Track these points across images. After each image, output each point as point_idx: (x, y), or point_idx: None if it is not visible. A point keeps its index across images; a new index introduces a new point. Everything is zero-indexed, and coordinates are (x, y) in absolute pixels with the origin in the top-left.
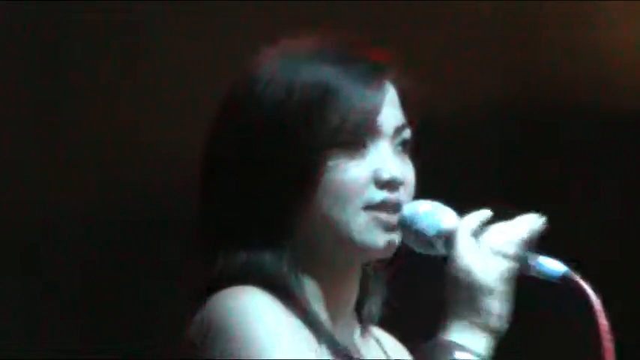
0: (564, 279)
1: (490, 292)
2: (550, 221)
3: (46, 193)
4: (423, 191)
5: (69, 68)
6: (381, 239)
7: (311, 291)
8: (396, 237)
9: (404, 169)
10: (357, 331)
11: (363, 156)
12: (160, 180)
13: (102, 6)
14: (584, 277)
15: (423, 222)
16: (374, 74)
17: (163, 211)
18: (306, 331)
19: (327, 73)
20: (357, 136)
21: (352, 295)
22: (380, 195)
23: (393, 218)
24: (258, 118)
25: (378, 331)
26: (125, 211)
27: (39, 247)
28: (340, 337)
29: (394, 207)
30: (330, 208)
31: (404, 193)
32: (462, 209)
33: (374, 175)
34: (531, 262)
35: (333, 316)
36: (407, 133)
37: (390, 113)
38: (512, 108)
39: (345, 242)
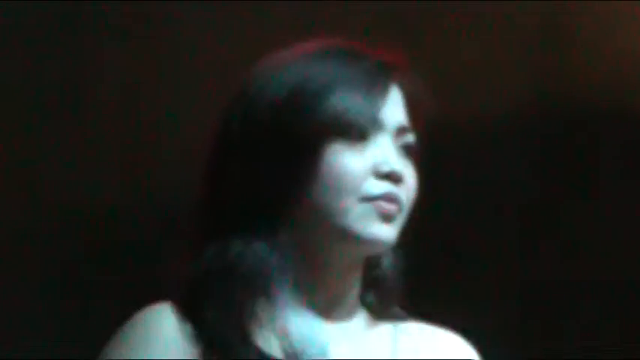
0: None
1: None
2: (578, 226)
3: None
4: (442, 197)
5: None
6: (378, 230)
7: (301, 283)
8: (393, 229)
9: (405, 170)
10: (363, 325)
11: (363, 147)
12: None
13: (126, 7)
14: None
15: None
16: (379, 71)
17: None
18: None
19: (332, 66)
20: (358, 127)
21: (349, 290)
22: (379, 187)
23: (392, 209)
24: (261, 108)
25: (409, 327)
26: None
27: (54, 245)
28: (331, 332)
29: (393, 200)
30: (327, 199)
31: (404, 192)
32: (490, 213)
33: (373, 167)
34: None
35: (326, 310)
36: (410, 138)
37: (394, 111)
38: (538, 113)
39: (342, 233)
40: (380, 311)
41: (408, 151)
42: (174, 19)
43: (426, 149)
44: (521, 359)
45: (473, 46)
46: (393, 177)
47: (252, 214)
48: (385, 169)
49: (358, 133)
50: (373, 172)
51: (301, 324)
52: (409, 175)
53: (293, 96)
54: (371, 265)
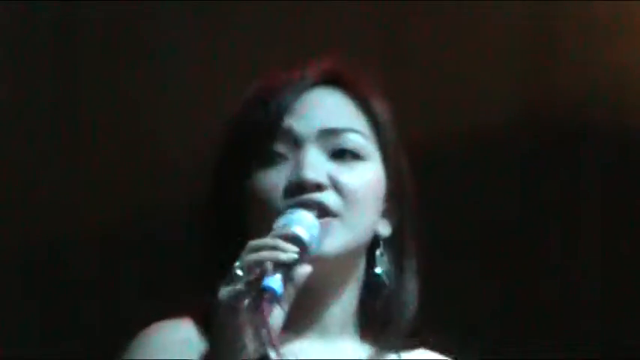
0: None
1: None
2: (562, 239)
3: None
4: (437, 208)
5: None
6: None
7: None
8: (331, 237)
9: (338, 173)
10: (356, 350)
11: (278, 165)
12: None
13: (121, 14)
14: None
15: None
16: (291, 84)
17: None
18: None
19: (252, 96)
20: (268, 147)
21: (327, 311)
22: (290, 200)
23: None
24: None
25: (419, 354)
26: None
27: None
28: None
29: (311, 206)
30: (254, 224)
31: (335, 197)
32: (477, 224)
33: (285, 182)
34: None
35: (301, 333)
36: (344, 139)
37: (315, 116)
38: (528, 125)
39: None
40: (379, 338)
41: (350, 153)
42: (168, 35)
43: (412, 163)
44: None
45: (459, 60)
46: (305, 185)
47: (211, 243)
48: (293, 179)
49: (270, 152)
50: (285, 186)
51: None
52: (345, 175)
53: (224, 134)
54: (371, 288)
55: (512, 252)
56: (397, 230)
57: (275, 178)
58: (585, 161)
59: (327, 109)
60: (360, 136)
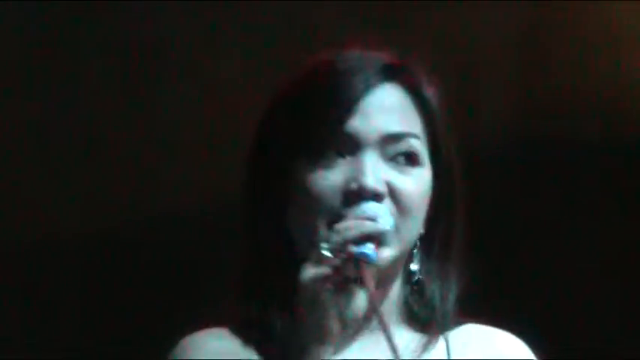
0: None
1: None
2: (550, 243)
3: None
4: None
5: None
6: (358, 252)
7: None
8: (385, 247)
9: (396, 181)
10: (409, 338)
11: (335, 166)
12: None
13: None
14: None
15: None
16: (355, 81)
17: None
18: None
19: (309, 86)
20: (327, 146)
21: (364, 307)
22: (347, 207)
23: (368, 227)
24: (259, 137)
25: (461, 332)
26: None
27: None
28: (358, 350)
29: (368, 218)
30: (299, 226)
31: (390, 206)
32: (467, 232)
33: (344, 186)
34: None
35: (357, 330)
36: (405, 144)
37: (378, 120)
38: (520, 130)
39: (316, 260)
40: (427, 323)
41: (407, 158)
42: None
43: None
44: None
45: (450, 70)
46: (364, 193)
47: (255, 237)
48: (353, 186)
49: (327, 151)
50: (343, 190)
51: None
52: (404, 184)
53: (267, 120)
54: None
55: (503, 259)
56: (436, 229)
57: (333, 180)
58: (577, 170)
59: (390, 111)
60: (419, 141)
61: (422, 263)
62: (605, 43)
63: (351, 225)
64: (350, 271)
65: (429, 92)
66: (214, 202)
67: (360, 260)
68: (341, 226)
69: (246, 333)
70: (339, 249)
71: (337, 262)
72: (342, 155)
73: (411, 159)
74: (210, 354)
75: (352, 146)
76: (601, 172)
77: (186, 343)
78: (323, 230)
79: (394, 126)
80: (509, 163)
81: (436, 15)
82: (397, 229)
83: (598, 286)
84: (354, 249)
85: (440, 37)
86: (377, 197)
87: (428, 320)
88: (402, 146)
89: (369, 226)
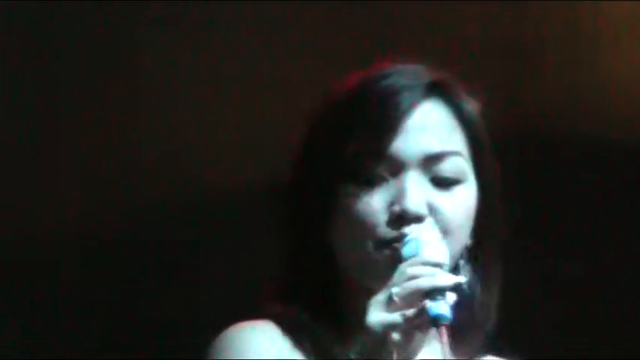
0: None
1: None
2: (545, 250)
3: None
4: None
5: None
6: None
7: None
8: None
9: (438, 201)
10: None
11: (380, 188)
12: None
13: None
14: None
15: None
16: (396, 101)
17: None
18: None
19: (350, 107)
20: (370, 168)
21: None
22: (392, 232)
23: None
24: (301, 155)
25: None
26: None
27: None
28: None
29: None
30: (343, 246)
31: (430, 228)
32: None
33: (388, 209)
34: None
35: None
36: (448, 163)
37: (420, 140)
38: (508, 139)
39: (359, 283)
40: (456, 346)
41: (450, 176)
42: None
43: None
44: None
45: (441, 70)
46: (407, 216)
47: (295, 255)
48: (396, 209)
49: (370, 174)
50: (387, 213)
51: None
52: (446, 203)
53: (310, 141)
54: None
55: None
56: (481, 240)
57: (376, 203)
58: (569, 171)
59: (432, 130)
60: (461, 159)
61: (469, 275)
62: (596, 43)
63: (422, 273)
64: (421, 322)
65: (469, 106)
66: (213, 200)
67: (436, 320)
68: (410, 270)
69: (293, 332)
70: (410, 297)
71: (409, 314)
72: (384, 177)
73: (454, 177)
74: (257, 347)
75: (395, 167)
76: (592, 173)
77: (232, 334)
78: (371, 255)
79: (436, 145)
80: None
81: (425, 17)
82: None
83: (597, 286)
84: (429, 305)
85: (431, 39)
86: (419, 219)
87: (459, 340)
88: (445, 165)
89: (440, 281)
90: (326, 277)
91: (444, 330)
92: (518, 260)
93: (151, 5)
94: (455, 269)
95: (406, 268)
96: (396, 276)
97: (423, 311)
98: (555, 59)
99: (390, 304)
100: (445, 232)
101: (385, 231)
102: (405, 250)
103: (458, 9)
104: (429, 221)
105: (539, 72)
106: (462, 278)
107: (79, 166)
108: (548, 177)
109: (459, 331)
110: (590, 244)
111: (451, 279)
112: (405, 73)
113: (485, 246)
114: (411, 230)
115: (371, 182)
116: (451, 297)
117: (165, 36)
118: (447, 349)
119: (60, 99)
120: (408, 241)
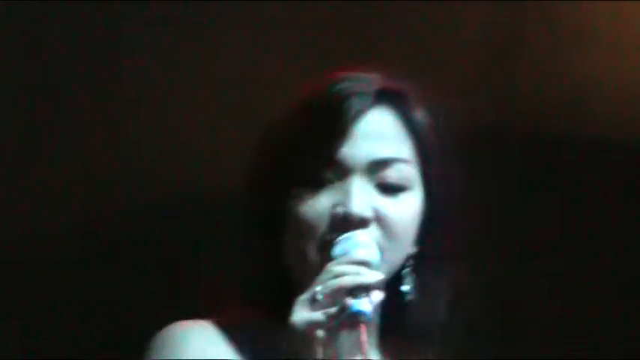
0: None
1: None
2: (534, 244)
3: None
4: None
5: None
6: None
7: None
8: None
9: (383, 207)
10: None
11: (325, 192)
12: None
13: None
14: None
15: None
16: (345, 107)
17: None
18: None
19: (301, 111)
20: (318, 172)
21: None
22: (334, 235)
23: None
24: (254, 159)
25: None
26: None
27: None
28: None
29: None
30: (290, 248)
31: (377, 232)
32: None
33: (331, 212)
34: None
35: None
36: (392, 171)
37: (366, 146)
38: (494, 135)
39: (302, 283)
40: (398, 351)
41: (395, 182)
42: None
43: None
44: None
45: (424, 70)
46: (352, 219)
47: (250, 254)
48: (339, 211)
49: (318, 178)
50: (331, 215)
51: None
52: (391, 209)
53: (263, 145)
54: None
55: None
56: (425, 248)
57: (321, 206)
58: (550, 169)
59: (380, 136)
60: (408, 166)
61: (412, 283)
62: (582, 43)
63: (346, 271)
64: (343, 320)
65: (420, 114)
66: (213, 200)
67: (357, 316)
68: (336, 269)
69: (232, 332)
70: (333, 295)
71: (332, 311)
72: (331, 181)
73: (399, 184)
74: (195, 346)
75: (341, 172)
76: (591, 173)
77: (169, 333)
78: (314, 256)
79: (382, 151)
80: (482, 161)
81: (425, 17)
82: (383, 253)
83: (597, 286)
84: (351, 302)
85: (418, 38)
86: (363, 223)
87: (412, 340)
88: (391, 172)
89: (363, 279)
90: (277, 278)
91: (363, 327)
92: (518, 260)
93: (151, 5)
94: (398, 278)
95: (333, 267)
96: (323, 275)
97: (345, 308)
98: (555, 59)
99: (314, 302)
100: (389, 237)
101: (328, 233)
102: (336, 249)
103: (458, 9)
104: (373, 226)
105: (539, 72)
106: (382, 275)
107: (79, 166)
108: (548, 177)
109: (400, 337)
110: (590, 244)
111: (374, 276)
112: (357, 80)
113: (429, 254)
114: (355, 232)
115: (318, 186)
116: (376, 296)
117: (165, 36)
118: (364, 347)
119: (60, 99)
120: (341, 240)
